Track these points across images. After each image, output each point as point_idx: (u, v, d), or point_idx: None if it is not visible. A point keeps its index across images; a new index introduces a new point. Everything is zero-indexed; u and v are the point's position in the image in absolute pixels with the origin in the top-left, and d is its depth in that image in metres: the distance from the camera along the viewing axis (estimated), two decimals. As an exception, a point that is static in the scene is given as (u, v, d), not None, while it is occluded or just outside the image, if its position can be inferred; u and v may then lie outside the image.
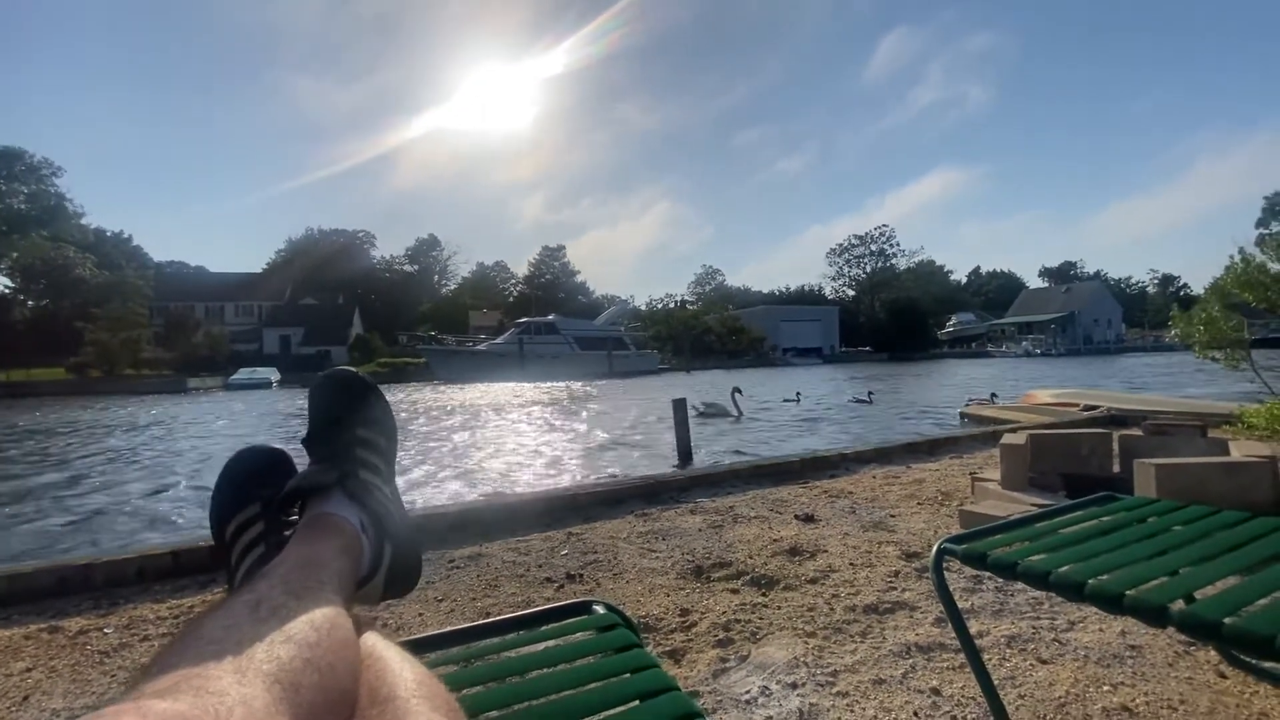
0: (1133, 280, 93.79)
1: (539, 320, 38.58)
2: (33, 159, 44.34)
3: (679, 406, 7.24)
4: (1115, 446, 3.34)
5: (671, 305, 70.23)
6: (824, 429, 10.77)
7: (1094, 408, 7.36)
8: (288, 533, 0.72)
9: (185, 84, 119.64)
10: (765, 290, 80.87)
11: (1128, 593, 0.95)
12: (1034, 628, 1.86)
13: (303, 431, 0.82)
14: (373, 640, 0.59)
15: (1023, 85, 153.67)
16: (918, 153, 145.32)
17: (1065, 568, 1.07)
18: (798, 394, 15.80)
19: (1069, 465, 3.19)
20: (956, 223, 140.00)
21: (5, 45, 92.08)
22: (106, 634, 2.06)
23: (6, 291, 41.22)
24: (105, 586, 2.43)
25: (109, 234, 51.00)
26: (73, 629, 2.09)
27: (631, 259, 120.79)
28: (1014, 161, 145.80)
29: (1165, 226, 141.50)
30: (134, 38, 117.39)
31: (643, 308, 66.07)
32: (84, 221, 46.87)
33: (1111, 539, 1.24)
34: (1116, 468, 3.28)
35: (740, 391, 12.65)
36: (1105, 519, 1.37)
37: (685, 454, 7.16)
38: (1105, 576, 1.02)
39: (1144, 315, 76.87)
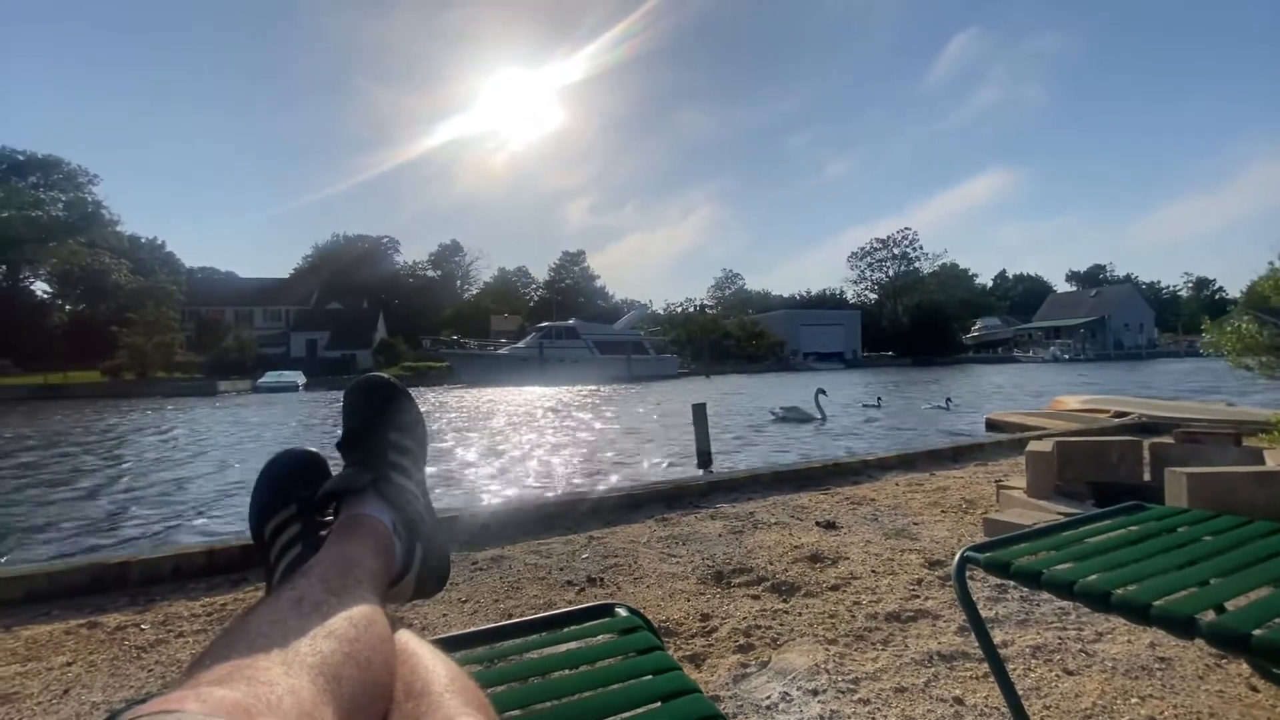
0: (1165, 284, 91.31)
1: (559, 324, 38.77)
2: (70, 167, 45.76)
3: (698, 411, 7.27)
4: (1146, 454, 3.28)
5: (690, 309, 70.12)
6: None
7: (1125, 414, 7.21)
8: (323, 533, 0.75)
9: (216, 96, 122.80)
10: (785, 294, 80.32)
11: (1155, 603, 0.94)
12: (1060, 638, 1.83)
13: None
14: (406, 637, 0.62)
15: (1081, 86, 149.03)
16: (969, 154, 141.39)
17: (1091, 577, 1.05)
18: (879, 399, 15.44)
19: (1097, 473, 3.14)
20: (997, 225, 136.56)
21: (42, 58, 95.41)
22: (143, 630, 2.12)
23: (45, 296, 42.61)
24: (141, 584, 2.50)
25: (143, 240, 52.42)
26: (111, 625, 2.16)
27: (667, 263, 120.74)
28: (1061, 163, 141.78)
29: (1202, 230, 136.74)
30: (162, 53, 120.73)
31: (661, 312, 66.04)
32: (119, 228, 48.28)
33: (1139, 549, 1.22)
34: (1147, 476, 3.21)
35: (825, 393, 11.96)
36: (1133, 528, 1.36)
37: (705, 458, 7.17)
38: (1132, 587, 1.01)
39: (1177, 319, 74.74)
